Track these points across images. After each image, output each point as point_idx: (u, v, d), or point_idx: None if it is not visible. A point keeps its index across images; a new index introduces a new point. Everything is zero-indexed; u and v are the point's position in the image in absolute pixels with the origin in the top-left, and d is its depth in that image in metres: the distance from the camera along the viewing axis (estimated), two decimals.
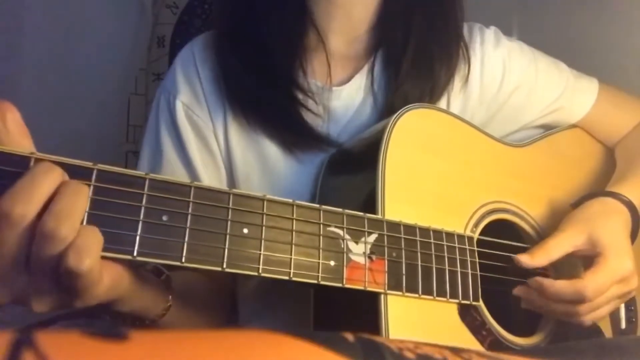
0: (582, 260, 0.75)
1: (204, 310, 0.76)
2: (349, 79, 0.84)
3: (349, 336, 0.37)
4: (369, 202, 0.66)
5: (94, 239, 0.45)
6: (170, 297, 0.64)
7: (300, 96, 0.80)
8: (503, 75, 0.87)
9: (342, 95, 0.83)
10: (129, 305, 0.57)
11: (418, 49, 0.82)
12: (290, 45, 0.81)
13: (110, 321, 0.61)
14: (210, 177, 0.81)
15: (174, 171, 0.80)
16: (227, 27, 0.83)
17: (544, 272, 0.75)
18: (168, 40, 1.82)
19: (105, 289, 0.49)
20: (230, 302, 0.87)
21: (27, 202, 0.43)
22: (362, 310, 0.64)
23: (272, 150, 0.80)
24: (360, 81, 0.83)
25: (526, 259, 0.71)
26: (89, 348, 0.29)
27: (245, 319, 0.86)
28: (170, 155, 0.81)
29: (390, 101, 0.81)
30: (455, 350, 0.40)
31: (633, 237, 0.77)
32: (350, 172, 0.76)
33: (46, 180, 0.44)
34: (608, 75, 0.97)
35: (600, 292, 0.69)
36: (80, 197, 0.45)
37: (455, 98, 0.85)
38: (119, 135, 1.79)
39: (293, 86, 0.80)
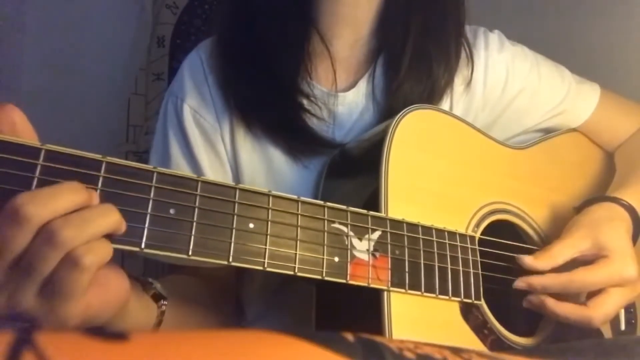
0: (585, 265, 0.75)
1: (202, 317, 0.76)
2: (353, 84, 0.84)
3: (349, 336, 0.37)
4: (372, 201, 0.66)
5: (105, 247, 0.46)
6: (161, 312, 0.63)
7: (305, 102, 0.79)
8: (506, 79, 0.88)
9: (347, 101, 0.83)
10: (114, 328, 0.55)
11: (416, 49, 0.82)
12: (293, 51, 0.80)
13: None
14: (218, 179, 0.80)
15: None
16: (229, 34, 0.83)
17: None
18: (168, 40, 1.82)
19: (90, 311, 0.48)
20: (232, 308, 0.86)
21: (38, 206, 0.43)
22: (365, 308, 0.64)
23: (277, 156, 0.80)
24: (363, 86, 0.83)
25: (529, 261, 0.71)
26: (89, 348, 0.29)
27: (251, 320, 0.86)
28: (178, 159, 0.81)
29: (390, 103, 0.81)
30: (455, 350, 0.40)
31: (633, 242, 0.77)
32: (352, 172, 0.76)
33: (70, 195, 0.44)
34: (609, 78, 0.97)
35: (586, 287, 0.70)
36: (106, 222, 0.46)
37: (459, 100, 0.85)
38: (119, 135, 1.78)
39: (297, 93, 0.79)
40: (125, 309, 0.55)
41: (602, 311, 0.70)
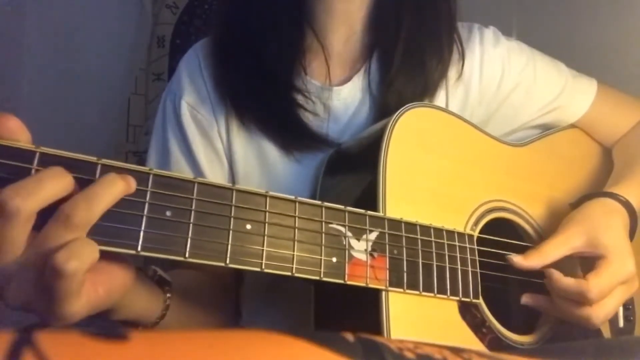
0: (581, 262, 0.75)
1: (206, 311, 0.76)
2: (348, 79, 0.84)
3: (349, 336, 0.37)
4: (370, 200, 0.66)
5: (89, 250, 0.45)
6: (168, 297, 0.64)
7: (299, 98, 0.80)
8: (502, 74, 0.87)
9: (342, 96, 0.83)
10: (122, 315, 0.57)
11: (408, 43, 0.82)
12: (288, 47, 0.81)
13: (110, 321, 0.60)
14: (215, 175, 0.82)
15: (180, 171, 0.80)
16: (225, 32, 0.84)
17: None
18: (168, 40, 1.83)
19: (99, 301, 0.49)
20: (234, 301, 0.87)
21: (25, 198, 0.43)
22: (363, 308, 0.64)
23: (272, 151, 0.80)
24: (359, 81, 0.84)
25: (519, 260, 0.71)
26: (89, 348, 0.29)
27: (248, 318, 0.86)
28: (177, 156, 0.81)
29: (385, 98, 0.81)
30: (455, 350, 0.40)
31: (630, 237, 0.77)
32: (350, 170, 0.76)
33: (52, 182, 0.44)
34: (607, 75, 0.97)
35: (603, 295, 0.69)
36: (94, 208, 0.45)
37: (454, 95, 0.85)
38: (119, 135, 1.79)
39: (291, 89, 0.80)
40: (133, 293, 0.56)
41: (602, 310, 0.70)
